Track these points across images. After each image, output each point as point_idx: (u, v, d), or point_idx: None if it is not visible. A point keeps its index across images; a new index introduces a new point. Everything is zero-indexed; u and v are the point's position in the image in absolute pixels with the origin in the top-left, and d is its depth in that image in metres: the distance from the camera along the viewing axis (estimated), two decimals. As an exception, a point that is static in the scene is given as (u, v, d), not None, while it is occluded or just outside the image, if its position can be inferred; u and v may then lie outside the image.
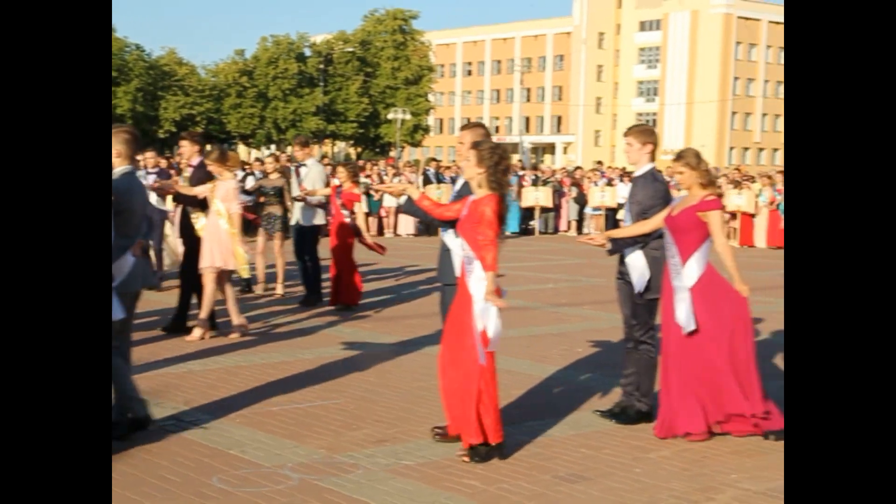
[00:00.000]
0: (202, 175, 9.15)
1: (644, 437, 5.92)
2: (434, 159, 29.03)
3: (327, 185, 11.72)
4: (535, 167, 33.17)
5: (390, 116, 64.88)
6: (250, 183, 14.14)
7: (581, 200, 25.89)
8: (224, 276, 9.01)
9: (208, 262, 8.86)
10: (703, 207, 5.85)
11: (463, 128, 6.09)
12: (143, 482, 4.84)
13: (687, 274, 5.84)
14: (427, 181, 23.90)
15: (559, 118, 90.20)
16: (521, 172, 27.19)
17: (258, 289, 11.94)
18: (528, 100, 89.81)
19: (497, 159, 5.31)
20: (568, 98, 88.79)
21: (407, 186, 5.86)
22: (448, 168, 25.96)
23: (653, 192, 6.17)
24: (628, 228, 6.23)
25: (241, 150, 68.42)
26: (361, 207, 11.81)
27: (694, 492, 4.96)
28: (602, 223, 23.77)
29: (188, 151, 9.54)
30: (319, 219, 11.48)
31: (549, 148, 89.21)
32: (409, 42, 69.25)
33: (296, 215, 11.57)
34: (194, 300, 9.27)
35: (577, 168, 31.40)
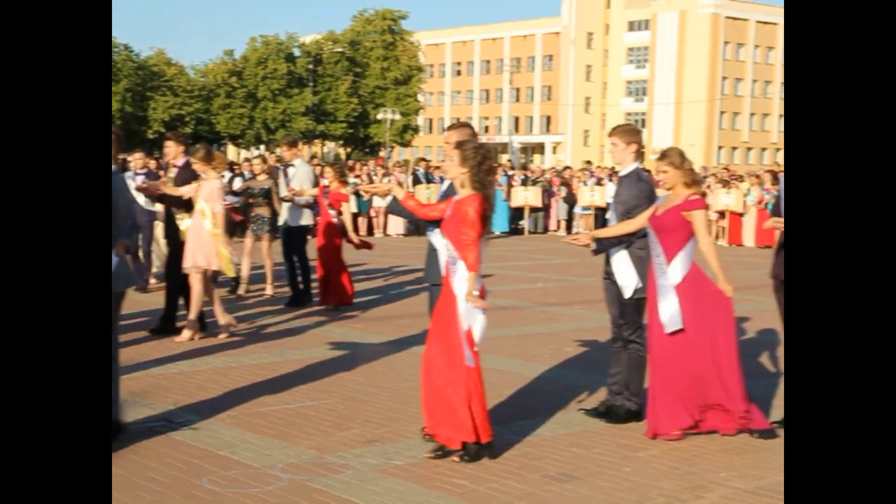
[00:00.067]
0: (187, 175, 9.11)
1: (633, 436, 5.93)
2: (423, 159, 29.05)
3: (316, 185, 11.72)
4: (524, 167, 33.22)
5: (380, 117, 64.85)
6: (238, 184, 14.11)
7: (570, 200, 25.94)
8: (208, 277, 8.99)
9: (191, 262, 8.83)
10: (688, 207, 5.85)
11: (449, 128, 6.09)
12: (132, 484, 4.83)
13: (672, 273, 5.84)
14: (417, 181, 23.91)
15: (548, 118, 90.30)
16: (510, 172, 27.23)
17: (241, 289, 11.90)
18: (518, 100, 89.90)
19: (480, 159, 5.29)
20: (557, 98, 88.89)
21: (392, 186, 5.84)
22: (437, 168, 25.96)
23: (637, 191, 6.19)
24: (613, 228, 6.24)
25: (231, 150, 68.33)
26: (349, 207, 11.86)
27: (683, 490, 4.97)
28: (591, 223, 23.81)
29: (173, 152, 9.51)
30: (307, 219, 11.47)
31: (539, 148, 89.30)
32: (399, 42, 69.23)
33: (284, 216, 11.56)
34: (181, 301, 9.25)
35: (567, 168, 31.45)
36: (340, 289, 10.99)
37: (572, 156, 78.05)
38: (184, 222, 9.07)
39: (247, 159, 24.20)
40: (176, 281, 9.16)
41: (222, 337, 8.94)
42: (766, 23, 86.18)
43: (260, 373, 7.55)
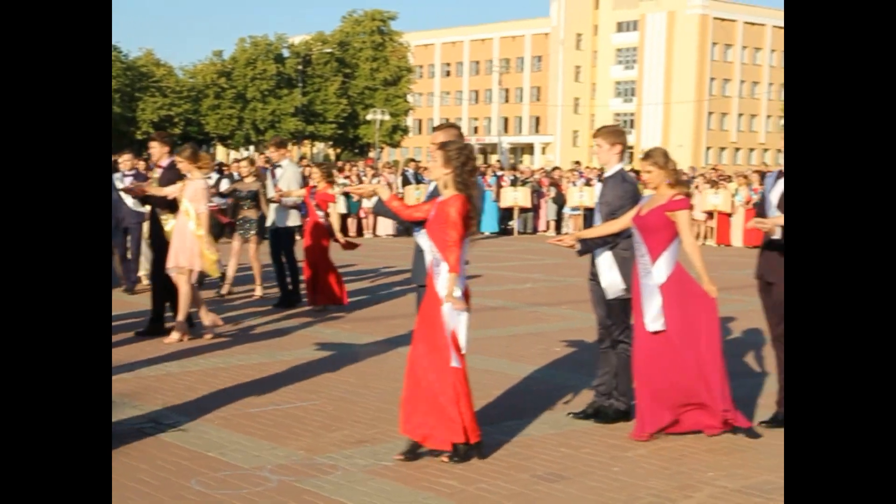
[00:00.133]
0: (172, 176, 9.09)
1: (622, 436, 5.95)
2: (413, 160, 29.08)
3: (304, 186, 11.71)
4: (513, 167, 33.27)
5: (369, 117, 64.80)
6: (225, 185, 14.09)
7: (559, 201, 25.98)
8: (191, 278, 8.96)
9: (174, 263, 8.81)
10: (672, 207, 5.86)
11: (436, 128, 6.09)
12: (121, 486, 4.82)
13: (656, 273, 5.85)
14: (406, 182, 23.92)
15: (537, 119, 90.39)
16: (500, 173, 27.26)
17: (224, 289, 11.86)
18: (507, 100, 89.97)
19: (464, 160, 5.28)
20: (546, 99, 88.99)
21: (377, 187, 5.79)
22: (427, 168, 25.97)
23: (621, 192, 6.21)
24: (597, 228, 6.26)
25: (220, 151, 68.18)
26: (335, 208, 11.88)
27: (672, 490, 4.99)
28: (580, 223, 23.85)
29: (157, 152, 9.49)
30: (295, 220, 11.46)
31: (528, 148, 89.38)
32: (388, 43, 69.21)
33: (271, 217, 11.55)
34: (167, 302, 9.23)
35: (556, 168, 31.49)
36: (328, 289, 10.98)
37: (561, 156, 78.13)
38: (169, 223, 9.05)
39: (236, 160, 24.18)
40: (161, 282, 9.14)
41: (208, 337, 8.92)
42: (753, 24, 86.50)
43: (249, 374, 7.54)
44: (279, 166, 11.66)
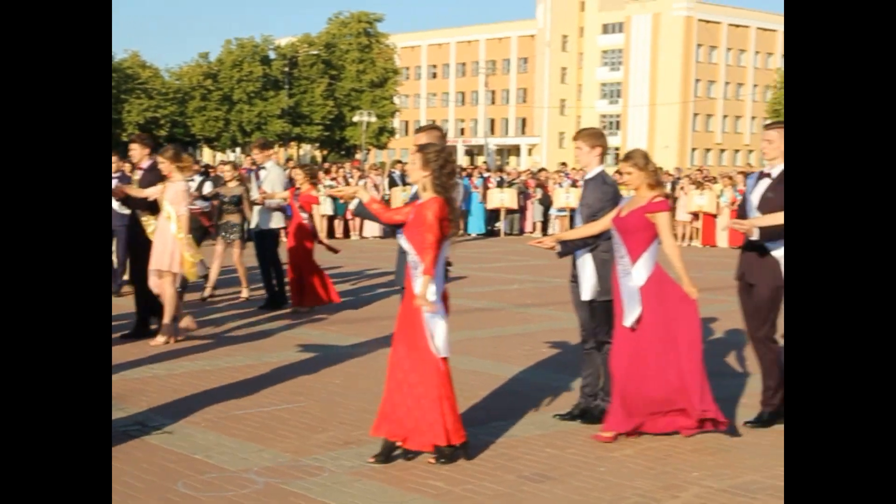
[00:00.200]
0: (152, 178, 9.06)
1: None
2: (400, 161, 29.03)
3: (289, 187, 11.70)
4: (500, 169, 33.29)
5: (356, 119, 64.74)
6: (208, 188, 14.05)
7: (546, 202, 26.01)
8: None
9: (156, 265, 8.77)
10: (652, 209, 5.87)
11: (418, 130, 6.07)
12: (106, 488, 4.81)
13: (636, 274, 5.86)
14: (393, 183, 23.91)
15: (524, 120, 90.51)
16: (486, 174, 27.28)
17: (206, 292, 11.82)
18: (493, 102, 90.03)
19: (442, 162, 5.26)
20: (532, 100, 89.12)
21: (358, 189, 5.76)
22: (413, 170, 25.97)
23: (601, 194, 6.23)
24: (577, 230, 6.28)
25: (206, 153, 67.98)
26: (318, 210, 11.91)
27: (657, 490, 5.01)
28: (567, 224, 23.89)
29: (138, 154, 9.46)
30: (278, 222, 11.44)
31: (514, 150, 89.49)
32: (374, 45, 69.17)
33: (255, 219, 11.52)
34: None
35: (542, 170, 31.53)
36: (313, 291, 10.97)
37: (548, 158, 78.24)
38: (150, 225, 9.01)
39: (222, 162, 24.11)
40: (145, 284, 9.11)
41: (180, 339, 8.88)
42: (738, 26, 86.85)
43: (235, 376, 7.53)
44: (263, 168, 11.65)
